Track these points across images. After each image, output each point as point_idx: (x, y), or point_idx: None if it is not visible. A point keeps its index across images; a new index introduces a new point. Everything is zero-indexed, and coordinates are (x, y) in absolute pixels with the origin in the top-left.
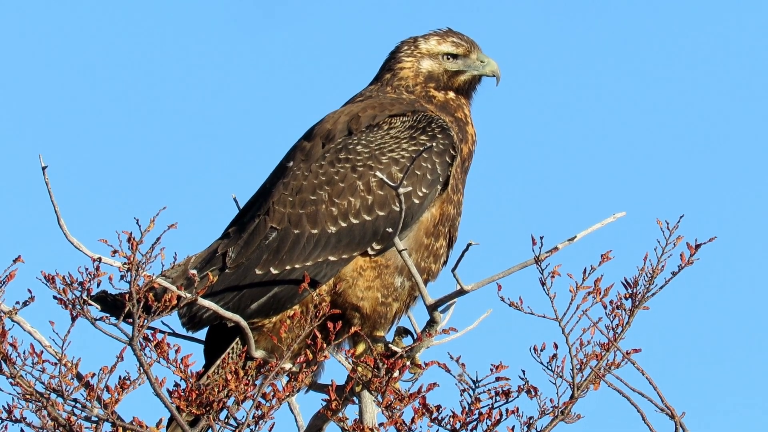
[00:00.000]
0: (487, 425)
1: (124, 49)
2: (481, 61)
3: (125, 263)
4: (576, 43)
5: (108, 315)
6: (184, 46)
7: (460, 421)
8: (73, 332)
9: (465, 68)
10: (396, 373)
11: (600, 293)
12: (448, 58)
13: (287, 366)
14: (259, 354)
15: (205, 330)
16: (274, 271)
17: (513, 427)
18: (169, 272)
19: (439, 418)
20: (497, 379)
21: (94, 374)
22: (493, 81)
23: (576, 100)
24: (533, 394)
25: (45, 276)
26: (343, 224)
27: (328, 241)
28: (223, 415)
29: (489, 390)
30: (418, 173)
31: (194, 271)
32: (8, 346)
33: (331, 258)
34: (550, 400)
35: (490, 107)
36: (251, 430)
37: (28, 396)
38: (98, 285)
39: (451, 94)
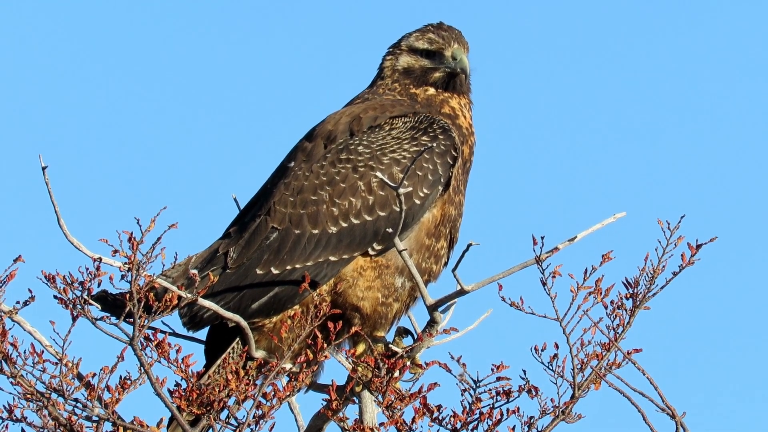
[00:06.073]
0: (488, 425)
1: (125, 48)
2: (453, 58)
3: (126, 263)
4: (577, 42)
5: (108, 315)
6: (184, 46)
7: (460, 421)
8: (73, 332)
9: (439, 65)
10: (396, 373)
11: (601, 293)
12: (423, 55)
13: (288, 366)
14: (259, 354)
15: (206, 330)
16: (274, 271)
17: (514, 426)
18: (170, 272)
19: (440, 417)
20: (498, 378)
21: (94, 374)
22: (492, 80)
23: (576, 100)
24: (534, 393)
25: (45, 276)
26: (344, 224)
27: (328, 241)
28: (223, 414)
29: (490, 390)
30: (420, 174)
31: (195, 271)
32: (9, 346)
33: (332, 258)
34: (551, 399)
35: (490, 107)
36: (252, 429)
37: (28, 396)
38: (99, 285)
39: (431, 90)
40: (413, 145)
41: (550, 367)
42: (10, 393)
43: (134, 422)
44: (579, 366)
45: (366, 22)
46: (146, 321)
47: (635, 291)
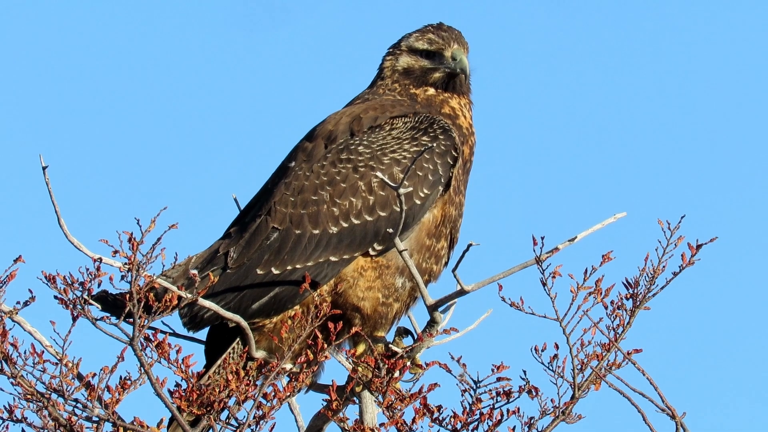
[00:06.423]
0: (488, 425)
1: (125, 49)
2: (453, 59)
3: (126, 263)
4: (577, 42)
5: (109, 315)
6: (184, 46)
7: (461, 422)
8: (73, 332)
9: (438, 65)
10: (397, 374)
11: (601, 293)
12: (423, 56)
13: (288, 366)
14: (259, 354)
15: (206, 330)
16: (275, 272)
17: (514, 427)
18: (170, 272)
19: (440, 418)
20: (498, 379)
21: (94, 374)
22: (491, 79)
23: (576, 100)
24: (534, 394)
25: (46, 276)
26: (345, 224)
27: (329, 242)
28: (224, 415)
29: (490, 390)
30: (420, 174)
31: (195, 271)
32: (9, 346)
33: (333, 258)
34: (551, 400)
35: (490, 107)
36: (252, 430)
37: (29, 396)
38: (99, 285)
39: (431, 90)
40: (413, 146)
41: (550, 367)
42: (11, 393)
43: (134, 422)
44: (579, 366)
45: (366, 22)
46: (146, 321)
47: (635, 291)
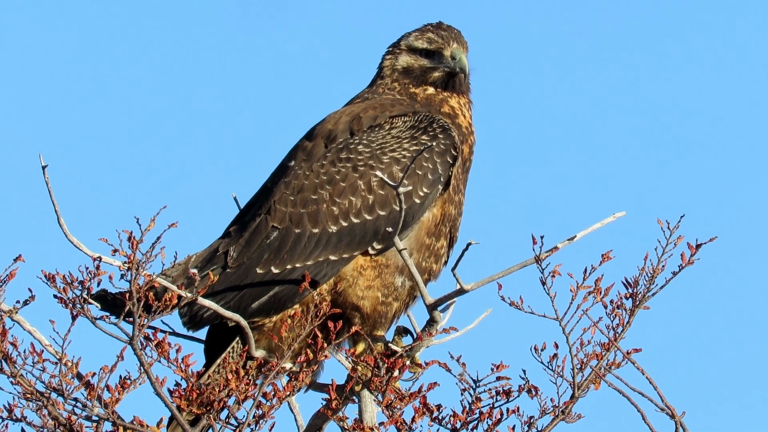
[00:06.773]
0: (488, 425)
1: (124, 48)
2: (452, 58)
3: (125, 262)
4: (577, 42)
5: (108, 314)
6: (184, 46)
7: (460, 421)
8: (73, 331)
9: (438, 65)
10: (396, 373)
11: (600, 293)
12: (423, 55)
13: (288, 365)
14: (259, 353)
15: (206, 329)
16: (275, 271)
17: (514, 426)
18: (170, 271)
19: (440, 417)
20: (498, 378)
21: (94, 373)
22: (491, 79)
23: (576, 100)
24: (534, 393)
25: (45, 275)
26: (344, 223)
27: (329, 241)
28: (223, 414)
29: (490, 389)
30: (419, 173)
31: (195, 271)
32: (9, 346)
33: (332, 257)
34: (551, 399)
35: (490, 106)
36: (252, 429)
37: (28, 395)
38: (98, 284)
39: (431, 90)
40: (413, 145)
41: (550, 366)
42: (10, 393)
43: (134, 422)
44: (579, 366)
45: (366, 22)
46: (146, 320)
47: (635, 291)
